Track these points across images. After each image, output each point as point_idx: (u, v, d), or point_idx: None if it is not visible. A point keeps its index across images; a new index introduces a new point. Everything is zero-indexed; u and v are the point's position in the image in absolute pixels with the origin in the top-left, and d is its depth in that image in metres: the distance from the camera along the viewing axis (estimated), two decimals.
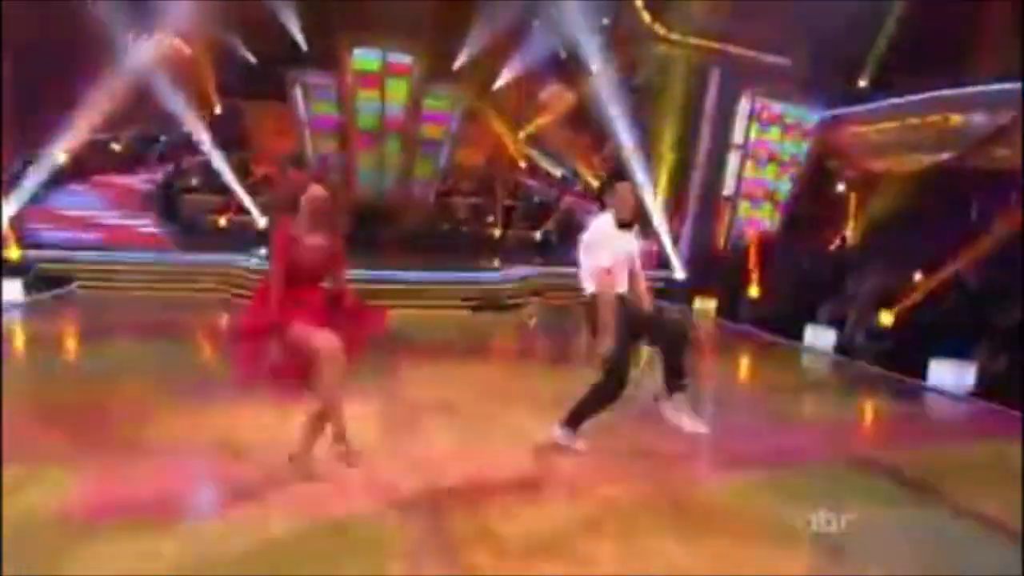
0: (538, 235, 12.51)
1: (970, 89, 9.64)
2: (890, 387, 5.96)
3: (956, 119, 9.84)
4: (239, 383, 3.21)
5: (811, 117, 11.59)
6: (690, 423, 3.46)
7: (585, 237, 3.58)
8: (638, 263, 3.71)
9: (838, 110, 11.56)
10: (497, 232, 12.27)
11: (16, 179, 9.12)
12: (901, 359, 6.22)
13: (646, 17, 10.62)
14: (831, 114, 11.65)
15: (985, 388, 5.63)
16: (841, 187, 12.09)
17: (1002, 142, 9.33)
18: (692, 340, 3.67)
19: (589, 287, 3.53)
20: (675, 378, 3.48)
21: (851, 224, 11.99)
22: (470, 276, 9.22)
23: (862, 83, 11.79)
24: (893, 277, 7.30)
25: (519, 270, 9.79)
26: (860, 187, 11.82)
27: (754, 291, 9.44)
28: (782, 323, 8.02)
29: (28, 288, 7.62)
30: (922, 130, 10.28)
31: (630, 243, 3.58)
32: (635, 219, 3.64)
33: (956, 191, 9.99)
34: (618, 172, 4.10)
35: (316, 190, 2.95)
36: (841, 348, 7.12)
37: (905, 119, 10.58)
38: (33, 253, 8.60)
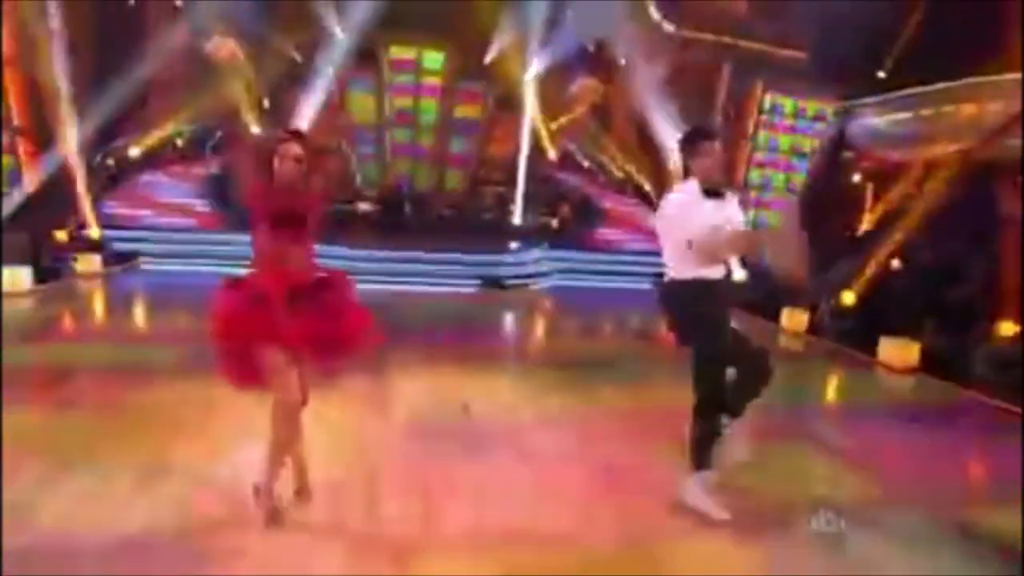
0: (555, 222, 13.17)
1: (981, 79, 9.72)
2: (836, 363, 6.44)
3: (969, 109, 9.93)
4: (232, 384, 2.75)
5: (826, 109, 11.80)
6: (741, 453, 3.05)
7: (658, 212, 3.10)
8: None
9: (854, 101, 11.73)
10: (517, 219, 12.99)
11: (97, 169, 10.39)
12: (861, 337, 6.61)
13: (655, 14, 11.07)
14: (847, 105, 11.83)
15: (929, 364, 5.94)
16: (857, 177, 12.24)
17: (1016, 132, 9.39)
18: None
19: (671, 270, 3.04)
20: (741, 405, 3.01)
21: (867, 214, 12.18)
22: (487, 258, 10.03)
23: (881, 74, 11.93)
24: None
25: (532, 253, 10.58)
26: (875, 177, 11.97)
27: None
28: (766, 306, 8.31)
29: (105, 262, 8.87)
30: (936, 121, 10.40)
31: (723, 214, 2.93)
32: (725, 184, 3.02)
33: (972, 182, 10.09)
34: (702, 128, 3.14)
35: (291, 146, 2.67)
36: (812, 328, 7.61)
37: (919, 110, 10.71)
38: (110, 233, 9.91)
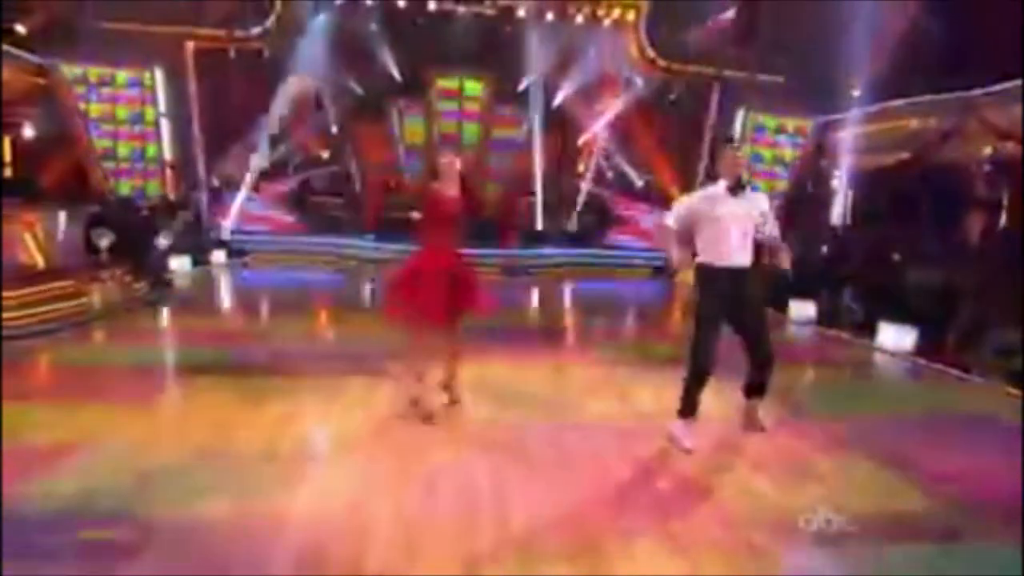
0: (571, 226, 15.67)
1: (924, 98, 11.67)
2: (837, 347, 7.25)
3: (913, 123, 11.88)
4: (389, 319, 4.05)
5: (805, 125, 13.90)
6: (765, 420, 3.80)
7: (687, 204, 3.61)
8: (768, 228, 3.55)
9: (829, 116, 13.77)
10: (540, 224, 15.49)
11: (215, 190, 13.50)
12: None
13: (647, 49, 13.47)
14: (824, 120, 13.87)
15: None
16: (836, 182, 14.18)
17: (949, 144, 11.29)
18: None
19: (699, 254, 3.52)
20: (759, 381, 3.67)
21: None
22: (513, 253, 12.66)
23: (855, 92, 13.91)
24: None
25: (549, 250, 13.27)
26: (849, 184, 13.92)
27: None
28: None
29: (228, 256, 11.95)
30: (888, 134, 12.37)
31: (741, 207, 3.43)
32: (748, 181, 3.51)
33: (914, 186, 11.98)
34: (724, 136, 3.53)
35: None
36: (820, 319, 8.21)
37: (878, 124, 12.69)
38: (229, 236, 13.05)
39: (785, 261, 3.60)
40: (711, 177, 3.89)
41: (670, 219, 3.63)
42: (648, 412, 4.33)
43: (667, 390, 4.02)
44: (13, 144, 12.48)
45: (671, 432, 3.69)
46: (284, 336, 6.15)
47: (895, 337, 6.92)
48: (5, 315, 5.50)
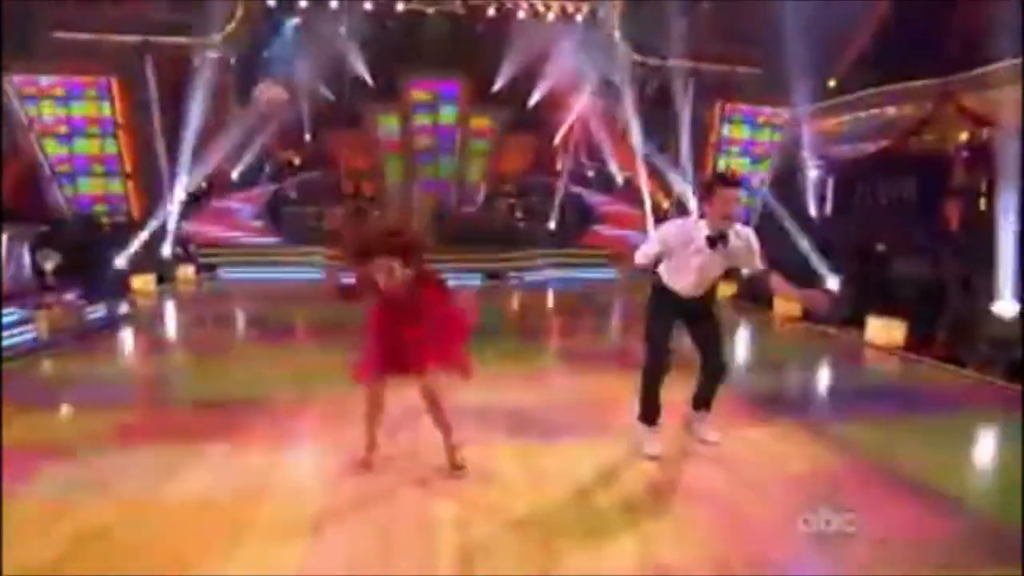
0: (552, 225, 15.39)
1: (899, 85, 11.59)
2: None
3: (891, 111, 11.80)
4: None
5: (781, 115, 13.78)
6: (713, 435, 3.66)
7: (664, 229, 3.46)
8: (756, 264, 3.39)
9: (806, 107, 13.67)
10: (520, 224, 15.18)
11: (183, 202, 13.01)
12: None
13: (624, 46, 13.26)
14: (800, 111, 13.76)
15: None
16: (813, 174, 14.10)
17: (926, 130, 11.23)
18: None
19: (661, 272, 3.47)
20: (705, 394, 3.59)
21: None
22: (491, 257, 12.36)
23: (831, 83, 13.84)
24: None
25: (528, 252, 13.02)
26: (832, 170, 13.85)
27: None
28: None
29: (197, 271, 11.46)
30: (866, 122, 12.28)
31: (717, 259, 3.31)
32: (725, 232, 3.25)
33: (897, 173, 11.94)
34: (724, 176, 3.43)
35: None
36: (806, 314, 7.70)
37: (855, 112, 12.60)
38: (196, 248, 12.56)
39: (779, 285, 3.45)
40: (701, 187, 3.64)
41: (640, 257, 3.54)
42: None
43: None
44: None
45: (636, 438, 3.61)
46: (239, 374, 5.47)
47: (884, 331, 6.72)
48: None
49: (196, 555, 2.55)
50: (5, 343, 5.72)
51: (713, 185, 3.28)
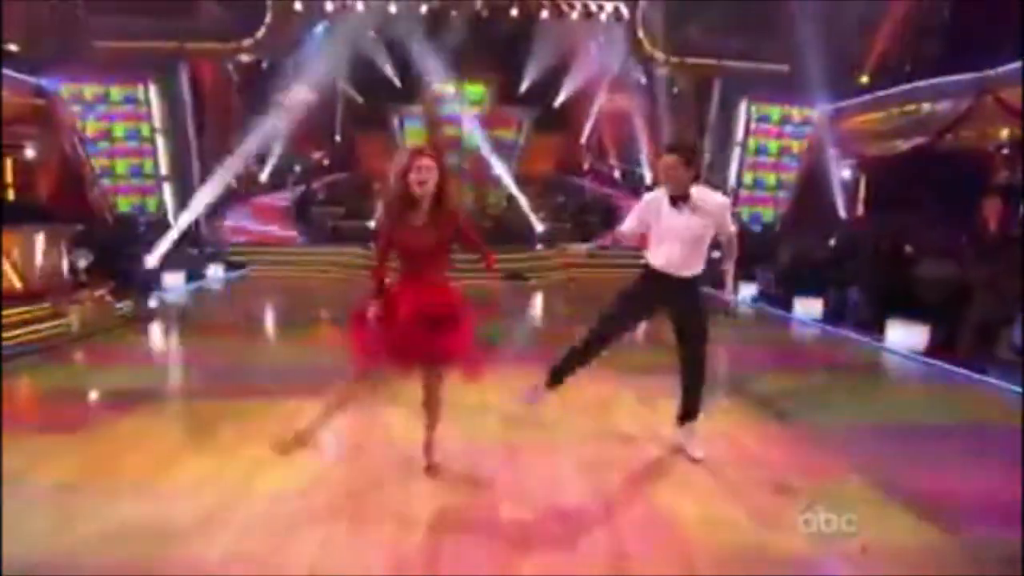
0: (570, 226, 15.34)
1: (935, 80, 11.17)
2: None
3: (926, 107, 11.39)
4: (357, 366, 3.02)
5: (811, 114, 13.44)
6: (699, 451, 3.50)
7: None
8: (724, 239, 3.39)
9: (836, 104, 13.30)
10: (541, 225, 15.15)
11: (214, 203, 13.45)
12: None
13: (647, 45, 13.13)
14: (831, 108, 13.39)
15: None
16: (847, 173, 13.70)
17: (964, 127, 10.79)
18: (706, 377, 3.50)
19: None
20: (689, 406, 3.50)
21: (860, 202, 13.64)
22: (512, 257, 12.35)
23: (863, 79, 13.43)
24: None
25: (548, 251, 12.97)
26: (864, 170, 13.44)
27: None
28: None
29: (226, 269, 11.86)
30: (900, 118, 11.88)
31: (682, 220, 3.28)
32: (683, 194, 3.26)
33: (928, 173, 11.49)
34: (670, 145, 3.55)
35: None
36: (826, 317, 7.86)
37: (889, 109, 12.20)
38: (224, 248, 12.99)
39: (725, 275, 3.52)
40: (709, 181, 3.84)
41: (618, 234, 3.63)
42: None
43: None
44: (14, 165, 12.60)
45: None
46: (263, 360, 5.84)
47: (905, 336, 6.52)
48: None
49: None
50: (40, 335, 6.07)
51: (659, 156, 3.52)
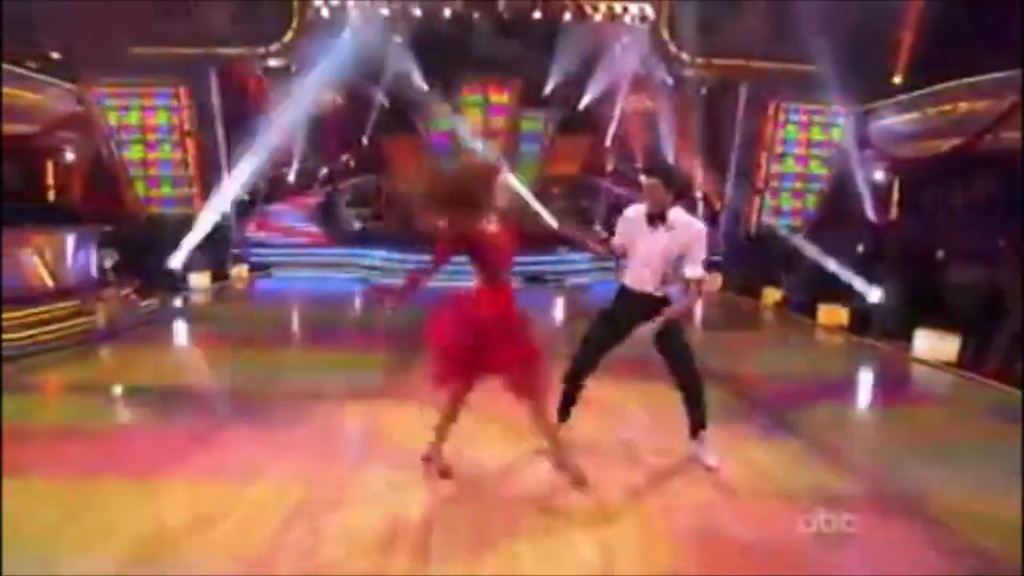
0: (598, 228, 15.17)
1: (975, 78, 10.72)
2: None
3: (964, 107, 10.94)
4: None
5: (842, 115, 13.06)
6: (712, 458, 3.48)
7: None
8: (687, 268, 3.30)
9: (869, 104, 12.88)
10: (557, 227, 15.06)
11: (241, 204, 13.78)
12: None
13: (672, 47, 12.93)
14: (862, 109, 12.98)
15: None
16: (880, 174, 13.26)
17: (1003, 127, 10.33)
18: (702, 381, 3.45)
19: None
20: (695, 419, 3.47)
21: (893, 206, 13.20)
22: (535, 259, 12.33)
23: (896, 78, 12.99)
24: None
25: (571, 255, 12.90)
26: (898, 172, 12.99)
27: None
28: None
29: (251, 270, 12.12)
30: (937, 118, 11.44)
31: (660, 241, 3.29)
32: (660, 213, 3.29)
33: (970, 174, 11.06)
34: (647, 168, 3.74)
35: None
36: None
37: (925, 109, 11.76)
38: (248, 249, 13.26)
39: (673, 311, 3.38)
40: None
41: (615, 242, 3.60)
42: None
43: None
44: (55, 168, 13.12)
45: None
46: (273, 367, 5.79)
47: (935, 346, 6.26)
48: (5, 336, 5.61)
49: None
50: (66, 331, 6.28)
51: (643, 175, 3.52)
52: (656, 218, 3.30)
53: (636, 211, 3.43)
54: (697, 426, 3.50)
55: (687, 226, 3.32)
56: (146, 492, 3.12)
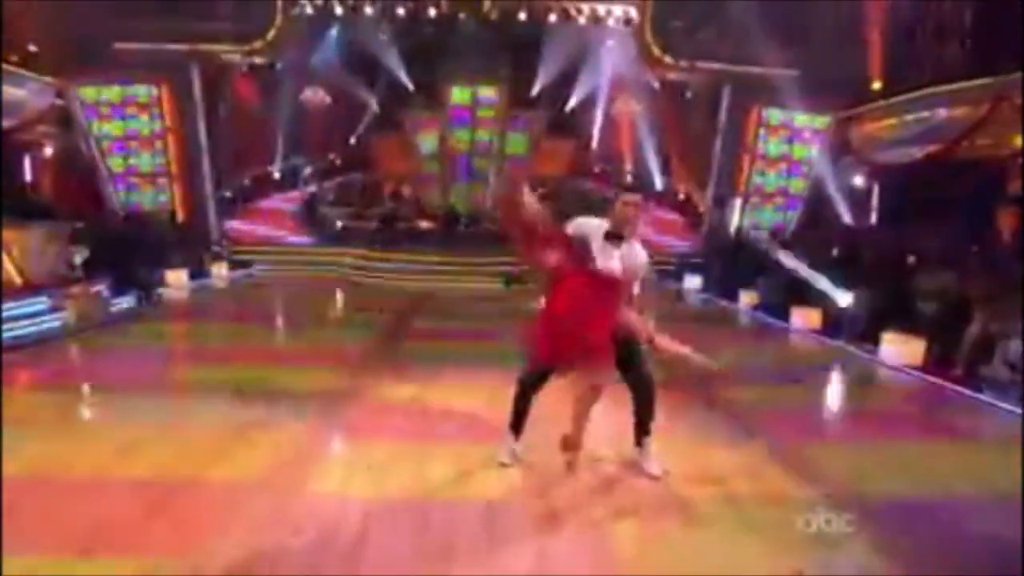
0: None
1: (953, 86, 10.83)
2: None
3: (941, 114, 11.07)
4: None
5: (820, 120, 13.18)
6: (655, 467, 3.47)
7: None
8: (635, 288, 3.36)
9: (848, 110, 13.01)
10: None
11: (220, 200, 13.70)
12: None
13: (656, 50, 13.00)
14: (842, 114, 13.11)
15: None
16: (859, 179, 13.39)
17: (980, 134, 10.46)
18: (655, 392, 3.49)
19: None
20: (641, 428, 3.51)
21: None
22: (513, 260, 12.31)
23: (875, 84, 13.12)
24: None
25: None
26: (877, 177, 13.13)
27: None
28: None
29: (230, 268, 12.03)
30: (914, 125, 11.56)
31: (604, 254, 3.26)
32: (621, 234, 3.28)
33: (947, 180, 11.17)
34: (630, 186, 3.50)
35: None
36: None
37: (902, 116, 11.89)
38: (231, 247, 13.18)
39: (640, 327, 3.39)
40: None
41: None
42: None
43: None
44: (32, 163, 12.98)
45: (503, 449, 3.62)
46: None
47: (900, 349, 6.33)
48: None
49: None
50: (38, 328, 6.23)
51: (618, 195, 3.47)
52: (615, 237, 3.28)
53: (599, 224, 3.33)
54: (642, 433, 3.50)
55: (635, 254, 3.35)
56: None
